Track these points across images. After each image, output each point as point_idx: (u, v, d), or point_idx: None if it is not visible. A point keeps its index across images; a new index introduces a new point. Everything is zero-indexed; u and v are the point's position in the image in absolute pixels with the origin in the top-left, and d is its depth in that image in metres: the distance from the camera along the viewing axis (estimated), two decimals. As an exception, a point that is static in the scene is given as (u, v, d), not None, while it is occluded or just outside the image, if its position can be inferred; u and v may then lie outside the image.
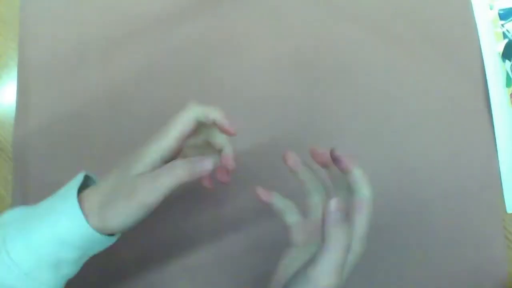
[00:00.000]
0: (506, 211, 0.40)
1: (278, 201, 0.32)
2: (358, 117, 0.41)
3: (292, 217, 0.32)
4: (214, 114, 0.31)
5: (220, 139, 0.33)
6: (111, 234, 0.31)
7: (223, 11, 0.43)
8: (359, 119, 0.41)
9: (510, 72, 0.40)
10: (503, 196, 0.40)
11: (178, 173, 0.29)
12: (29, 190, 0.41)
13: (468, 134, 0.40)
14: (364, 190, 0.28)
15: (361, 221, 0.28)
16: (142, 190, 0.28)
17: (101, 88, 0.42)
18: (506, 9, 0.41)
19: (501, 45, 0.41)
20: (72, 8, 0.43)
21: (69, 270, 0.30)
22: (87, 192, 0.31)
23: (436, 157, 0.40)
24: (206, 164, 0.29)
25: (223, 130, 0.32)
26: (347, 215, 0.27)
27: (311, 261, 0.25)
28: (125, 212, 0.29)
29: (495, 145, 0.40)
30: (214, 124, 0.31)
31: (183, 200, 0.39)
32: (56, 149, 0.42)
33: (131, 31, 0.43)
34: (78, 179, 0.32)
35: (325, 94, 0.41)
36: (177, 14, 0.43)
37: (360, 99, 0.41)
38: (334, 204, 0.25)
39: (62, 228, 0.29)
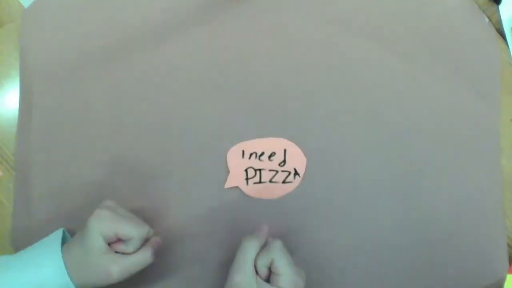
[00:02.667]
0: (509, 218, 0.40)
1: None
2: (368, 131, 0.41)
3: None
4: (126, 232, 0.34)
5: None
6: None
7: (224, 24, 0.43)
8: (369, 134, 0.41)
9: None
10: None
11: (147, 259, 0.34)
12: (30, 200, 0.41)
13: (474, 146, 0.41)
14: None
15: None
16: (116, 271, 0.33)
17: (102, 96, 0.42)
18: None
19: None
20: (73, 17, 0.44)
21: None
22: (65, 252, 0.34)
23: (440, 166, 0.40)
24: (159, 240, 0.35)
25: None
26: None
27: None
28: (99, 283, 0.34)
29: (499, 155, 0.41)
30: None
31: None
32: (58, 158, 0.42)
33: (132, 40, 0.43)
34: (58, 234, 0.36)
35: (331, 108, 0.41)
36: (177, 24, 0.43)
37: (370, 117, 0.41)
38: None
39: (45, 277, 0.33)
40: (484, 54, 0.42)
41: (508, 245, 0.40)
